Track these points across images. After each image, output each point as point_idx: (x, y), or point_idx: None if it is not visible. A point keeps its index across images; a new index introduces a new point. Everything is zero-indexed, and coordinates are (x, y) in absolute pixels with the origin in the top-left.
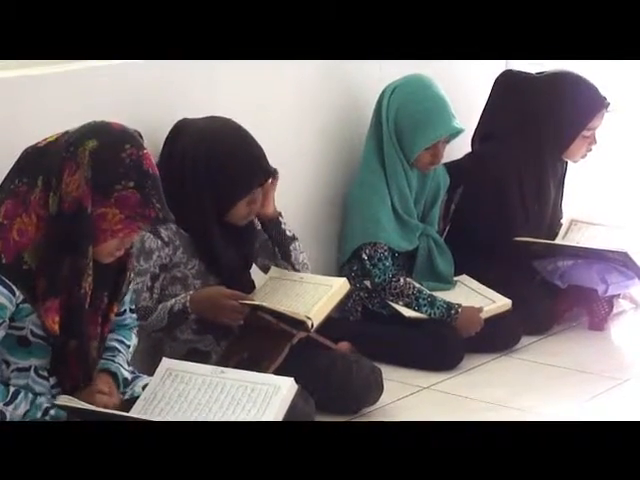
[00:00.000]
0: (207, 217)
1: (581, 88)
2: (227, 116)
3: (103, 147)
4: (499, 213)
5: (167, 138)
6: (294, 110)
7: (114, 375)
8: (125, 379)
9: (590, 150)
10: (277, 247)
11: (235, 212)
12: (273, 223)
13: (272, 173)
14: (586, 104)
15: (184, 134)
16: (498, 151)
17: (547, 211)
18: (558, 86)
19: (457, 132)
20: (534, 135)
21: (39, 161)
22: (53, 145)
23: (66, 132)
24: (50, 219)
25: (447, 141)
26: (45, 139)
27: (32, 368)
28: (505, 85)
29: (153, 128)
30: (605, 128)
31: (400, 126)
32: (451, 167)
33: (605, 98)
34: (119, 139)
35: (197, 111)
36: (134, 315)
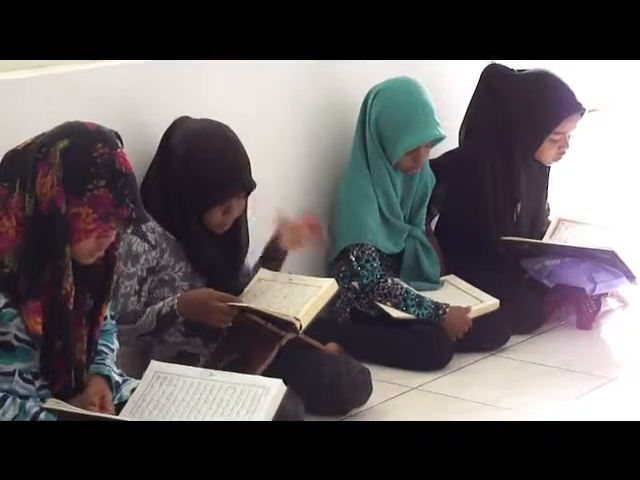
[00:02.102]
0: (187, 218)
1: (552, 91)
2: (213, 117)
3: (74, 146)
4: (477, 212)
5: (164, 133)
6: (281, 110)
7: (107, 378)
8: (116, 382)
9: (563, 154)
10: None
11: (210, 219)
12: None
13: (250, 187)
14: (554, 108)
15: (177, 132)
16: (474, 149)
17: (526, 211)
18: (530, 87)
19: (439, 139)
20: (505, 134)
21: (17, 164)
22: (29, 147)
23: (42, 134)
24: (27, 221)
25: (429, 146)
26: (24, 142)
27: (16, 372)
28: (487, 80)
29: (146, 129)
30: (594, 127)
31: (381, 130)
32: (431, 165)
33: (579, 104)
34: (91, 138)
35: (185, 111)
36: (113, 321)
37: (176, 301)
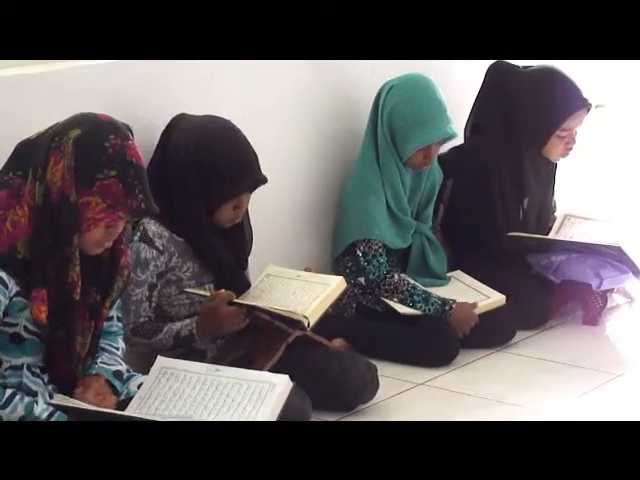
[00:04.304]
0: (196, 216)
1: (558, 88)
2: (222, 115)
3: (86, 136)
4: (483, 208)
5: (163, 132)
6: (288, 109)
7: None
8: (117, 372)
9: (570, 150)
10: None
11: (220, 214)
12: None
13: (262, 181)
14: (561, 105)
15: (179, 129)
16: (481, 146)
17: (533, 207)
18: (536, 83)
19: (450, 136)
20: (512, 130)
21: (29, 153)
22: (42, 137)
23: (55, 124)
24: (37, 209)
25: (440, 143)
26: (37, 132)
27: (25, 366)
28: (493, 77)
29: (148, 127)
30: (600, 122)
31: (393, 126)
32: (438, 161)
33: (586, 100)
34: (103, 129)
35: (192, 110)
36: (120, 323)
37: (195, 325)
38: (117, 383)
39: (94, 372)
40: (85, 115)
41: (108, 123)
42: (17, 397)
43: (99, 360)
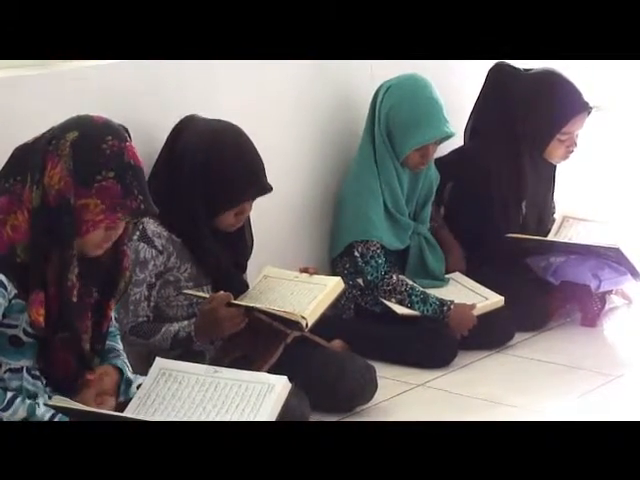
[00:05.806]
0: (197, 219)
1: (559, 91)
2: (221, 115)
3: (83, 138)
4: (483, 210)
5: (172, 131)
6: (287, 108)
7: (120, 371)
8: (128, 379)
9: (571, 152)
10: None
11: (222, 220)
12: None
13: (267, 189)
14: (562, 108)
15: (189, 131)
16: (481, 148)
17: (533, 209)
18: (537, 86)
19: (448, 136)
20: (512, 133)
21: (27, 158)
22: (39, 141)
23: (52, 128)
24: (34, 212)
25: (437, 143)
26: (34, 136)
27: (24, 369)
28: (494, 79)
29: (150, 128)
30: (599, 124)
31: (391, 126)
32: (438, 164)
33: (586, 103)
34: (100, 131)
35: (193, 111)
36: (117, 324)
37: (193, 327)
38: (122, 388)
39: (119, 365)
40: (81, 117)
41: (104, 125)
42: (18, 399)
43: (121, 357)
